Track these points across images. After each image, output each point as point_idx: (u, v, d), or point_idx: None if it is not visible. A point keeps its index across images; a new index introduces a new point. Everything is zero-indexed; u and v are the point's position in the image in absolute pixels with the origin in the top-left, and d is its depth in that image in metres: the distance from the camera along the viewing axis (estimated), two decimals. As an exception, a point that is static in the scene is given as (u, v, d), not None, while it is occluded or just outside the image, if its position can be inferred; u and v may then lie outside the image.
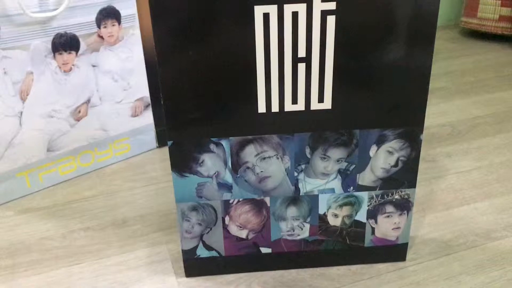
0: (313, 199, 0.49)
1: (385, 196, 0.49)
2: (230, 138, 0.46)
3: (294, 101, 0.45)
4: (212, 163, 0.47)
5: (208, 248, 0.51)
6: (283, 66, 0.43)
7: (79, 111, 0.70)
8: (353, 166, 0.48)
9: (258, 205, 0.49)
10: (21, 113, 0.65)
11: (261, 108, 0.45)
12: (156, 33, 0.42)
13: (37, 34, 0.63)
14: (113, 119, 0.74)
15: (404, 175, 0.49)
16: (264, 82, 0.44)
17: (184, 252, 0.51)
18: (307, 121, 0.46)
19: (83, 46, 0.67)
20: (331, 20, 0.42)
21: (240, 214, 0.49)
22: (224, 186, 0.48)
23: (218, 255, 0.51)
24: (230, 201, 0.49)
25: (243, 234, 0.50)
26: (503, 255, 0.54)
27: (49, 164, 0.70)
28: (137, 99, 0.75)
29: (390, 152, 0.47)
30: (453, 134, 0.82)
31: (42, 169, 0.69)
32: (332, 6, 0.41)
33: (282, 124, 0.46)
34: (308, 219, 0.50)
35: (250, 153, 0.46)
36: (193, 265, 0.52)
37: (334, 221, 0.50)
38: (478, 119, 0.87)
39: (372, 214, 0.50)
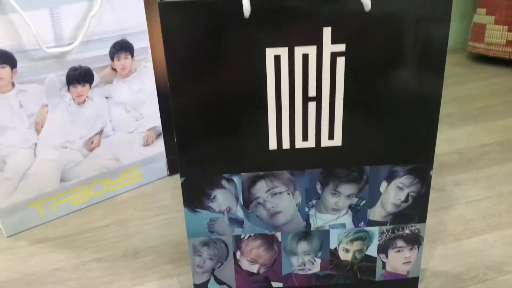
0: (324, 234, 0.50)
1: (396, 231, 0.50)
2: (242, 174, 0.47)
3: (305, 138, 0.46)
4: (223, 198, 0.47)
5: (220, 282, 0.51)
6: (293, 104, 0.44)
7: (92, 142, 0.71)
8: (364, 201, 0.48)
9: (269, 240, 0.50)
10: (36, 144, 0.66)
11: (272, 145, 0.46)
12: (169, 68, 0.43)
13: (52, 68, 0.64)
14: (125, 149, 0.75)
15: (415, 210, 0.49)
16: (275, 120, 0.45)
17: (196, 286, 0.51)
18: (317, 157, 0.46)
19: (96, 78, 0.68)
20: (340, 61, 0.43)
21: (252, 249, 0.50)
22: (236, 221, 0.48)
23: None
24: (242, 236, 0.49)
25: (254, 268, 0.51)
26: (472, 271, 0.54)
27: (62, 194, 0.71)
28: (149, 129, 0.77)
29: (400, 188, 0.48)
30: (462, 162, 0.82)
31: (55, 199, 0.70)
32: (342, 48, 0.42)
33: (293, 161, 0.46)
34: (319, 254, 0.50)
35: (261, 188, 0.47)
36: None
37: (345, 256, 0.51)
38: (486, 146, 0.87)
39: (383, 248, 0.51)
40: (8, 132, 0.63)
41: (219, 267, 0.51)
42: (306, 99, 0.44)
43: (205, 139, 0.45)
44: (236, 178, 0.47)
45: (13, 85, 0.62)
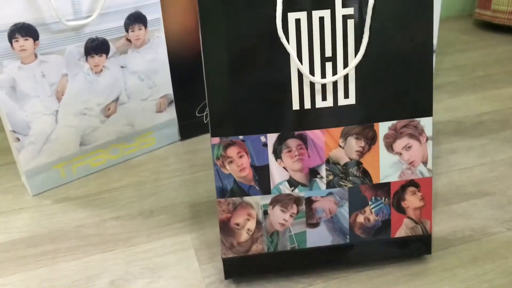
0: None
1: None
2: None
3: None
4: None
5: None
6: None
7: (109, 109, 0.76)
8: None
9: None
10: (57, 111, 0.71)
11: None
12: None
13: (71, 40, 0.68)
14: (139, 115, 0.80)
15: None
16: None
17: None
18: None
19: (112, 49, 0.73)
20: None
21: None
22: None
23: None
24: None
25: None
26: (497, 250, 0.59)
27: (82, 157, 0.76)
28: (161, 96, 0.81)
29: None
30: (459, 130, 0.86)
31: (75, 161, 0.76)
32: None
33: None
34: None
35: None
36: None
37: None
38: (484, 115, 0.91)
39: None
40: (32, 100, 0.68)
41: None
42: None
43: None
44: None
45: (35, 56, 0.66)
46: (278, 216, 0.54)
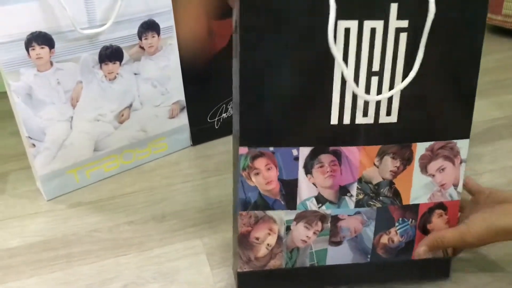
0: None
1: None
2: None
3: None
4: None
5: None
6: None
7: (122, 115, 0.77)
8: None
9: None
10: (72, 118, 0.72)
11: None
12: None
13: (86, 48, 0.70)
14: (152, 121, 0.81)
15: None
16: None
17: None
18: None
19: (126, 56, 0.74)
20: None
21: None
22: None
23: None
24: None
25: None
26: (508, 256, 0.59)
27: (95, 162, 0.78)
28: (174, 103, 0.82)
29: None
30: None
31: (89, 166, 0.77)
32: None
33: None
34: None
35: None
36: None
37: None
38: (495, 121, 0.91)
39: None
40: (47, 107, 0.69)
41: None
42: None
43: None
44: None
45: (51, 64, 0.67)
46: (301, 232, 0.52)
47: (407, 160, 0.51)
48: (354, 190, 0.51)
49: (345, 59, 0.46)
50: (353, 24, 0.45)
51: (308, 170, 0.50)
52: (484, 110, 0.95)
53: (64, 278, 0.60)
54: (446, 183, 0.52)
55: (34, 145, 0.70)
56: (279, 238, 0.52)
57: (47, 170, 0.73)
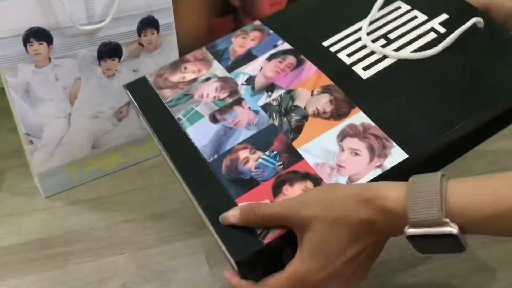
0: None
1: None
2: None
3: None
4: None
5: None
6: None
7: (121, 112, 0.76)
8: None
9: None
10: (70, 114, 0.72)
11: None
12: None
13: (85, 44, 0.69)
14: (150, 119, 0.80)
15: None
16: None
17: None
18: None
19: (125, 53, 0.73)
20: None
21: None
22: None
23: None
24: None
25: None
26: (508, 257, 0.59)
27: (94, 160, 0.77)
28: (173, 100, 0.82)
29: None
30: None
31: (88, 164, 0.77)
32: None
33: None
34: None
35: None
36: None
37: None
38: (496, 120, 0.90)
39: None
40: (46, 103, 0.69)
41: None
42: None
43: None
44: None
45: (49, 60, 0.67)
46: (208, 88, 0.52)
47: (337, 115, 0.46)
48: (276, 94, 0.48)
49: None
50: None
51: (270, 58, 0.51)
52: (485, 110, 0.94)
53: (61, 277, 0.59)
54: (346, 168, 0.44)
55: (32, 142, 0.69)
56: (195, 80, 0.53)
57: (45, 167, 0.72)
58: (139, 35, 0.74)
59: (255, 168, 0.45)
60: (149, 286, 0.57)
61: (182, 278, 0.58)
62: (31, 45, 0.65)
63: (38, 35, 0.65)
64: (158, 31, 0.75)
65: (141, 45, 0.74)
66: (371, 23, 0.51)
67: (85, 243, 0.64)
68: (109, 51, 0.72)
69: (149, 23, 0.74)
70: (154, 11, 0.74)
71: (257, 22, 0.54)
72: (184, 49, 0.80)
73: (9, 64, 0.64)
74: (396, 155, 0.43)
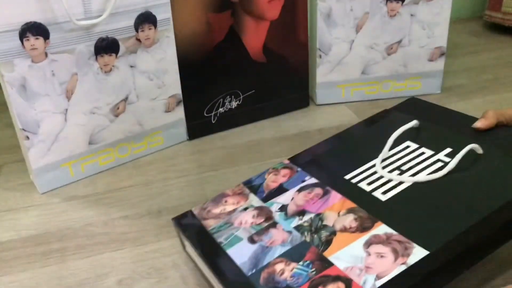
0: None
1: None
2: None
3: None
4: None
5: None
6: None
7: (118, 108, 0.76)
8: None
9: None
10: (66, 110, 0.71)
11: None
12: None
13: (82, 39, 0.69)
14: (148, 115, 0.80)
15: None
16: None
17: None
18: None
19: (122, 48, 0.73)
20: None
21: None
22: None
23: None
24: None
25: None
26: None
27: (90, 156, 0.77)
28: (170, 96, 0.81)
29: None
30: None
31: (84, 160, 0.76)
32: None
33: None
34: None
35: None
36: None
37: None
38: (493, 118, 0.90)
39: None
40: (42, 99, 0.68)
41: None
42: None
43: None
44: None
45: (46, 55, 0.66)
46: (245, 216, 0.57)
47: (363, 228, 0.52)
48: (307, 217, 0.55)
49: None
50: None
51: (299, 190, 0.58)
52: (482, 108, 0.94)
53: (58, 273, 0.59)
54: (373, 268, 0.48)
55: (28, 137, 0.69)
56: (234, 210, 0.58)
57: (41, 163, 0.72)
58: (137, 30, 0.73)
59: (291, 277, 0.50)
60: (146, 282, 0.56)
61: (179, 274, 0.57)
62: (28, 40, 0.64)
63: (34, 29, 0.64)
64: (155, 26, 0.75)
65: (139, 40, 0.74)
66: (383, 160, 0.59)
67: (82, 239, 0.64)
68: (106, 47, 0.71)
69: (146, 19, 0.74)
70: (151, 6, 0.74)
71: (286, 161, 0.63)
72: (181, 45, 0.79)
73: (5, 58, 0.64)
74: (418, 253, 0.48)
